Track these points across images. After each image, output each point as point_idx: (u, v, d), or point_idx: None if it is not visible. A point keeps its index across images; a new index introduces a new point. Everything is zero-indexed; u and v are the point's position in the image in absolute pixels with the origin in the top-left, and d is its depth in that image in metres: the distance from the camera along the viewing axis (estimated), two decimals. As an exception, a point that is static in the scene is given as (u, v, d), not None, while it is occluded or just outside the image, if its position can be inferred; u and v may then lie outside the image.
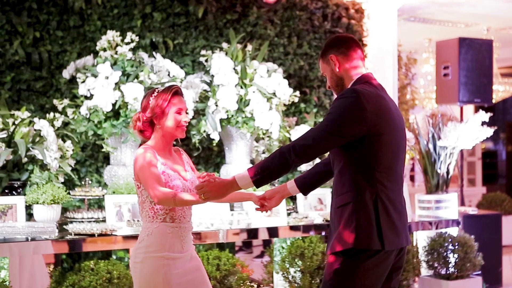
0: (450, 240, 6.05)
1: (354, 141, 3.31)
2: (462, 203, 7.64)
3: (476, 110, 9.95)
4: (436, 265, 6.08)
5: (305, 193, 3.82)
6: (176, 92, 3.60)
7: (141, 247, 3.53)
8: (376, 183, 3.32)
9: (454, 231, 6.27)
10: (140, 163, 3.50)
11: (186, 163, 3.74)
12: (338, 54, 3.49)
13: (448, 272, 6.06)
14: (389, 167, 3.37)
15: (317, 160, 4.86)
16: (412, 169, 12.86)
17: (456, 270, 6.05)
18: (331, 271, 3.35)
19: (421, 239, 6.29)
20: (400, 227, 3.38)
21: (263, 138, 6.20)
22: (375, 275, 3.33)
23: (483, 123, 6.33)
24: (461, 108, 7.85)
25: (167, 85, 5.64)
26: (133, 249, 3.61)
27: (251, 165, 5.40)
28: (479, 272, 6.30)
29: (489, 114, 6.29)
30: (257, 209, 3.76)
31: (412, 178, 13.12)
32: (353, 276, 3.30)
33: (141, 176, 3.49)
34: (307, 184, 3.78)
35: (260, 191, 4.03)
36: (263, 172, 3.31)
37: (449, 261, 6.03)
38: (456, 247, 6.03)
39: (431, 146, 6.45)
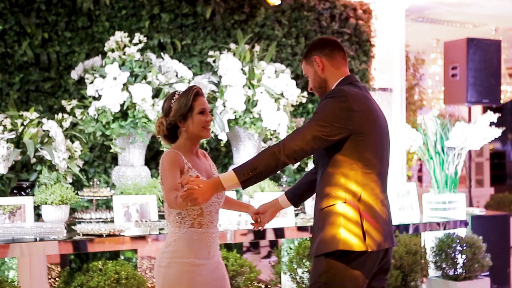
0: (458, 241, 6.04)
1: (339, 142, 3.30)
2: (470, 203, 7.63)
3: (484, 111, 9.91)
4: (444, 266, 6.07)
5: (296, 205, 3.80)
6: (197, 93, 3.53)
7: (167, 251, 3.47)
8: (360, 184, 3.31)
9: (462, 232, 6.25)
10: (163, 165, 3.42)
11: (212, 165, 3.69)
12: (322, 56, 3.49)
13: (456, 273, 6.05)
14: (374, 168, 3.36)
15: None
16: (420, 170, 12.85)
17: (464, 271, 6.04)
18: (317, 274, 3.34)
19: (429, 240, 6.28)
20: (385, 228, 3.37)
21: (270, 139, 6.20)
22: (361, 276, 3.32)
23: (491, 123, 6.32)
24: (469, 109, 7.83)
25: (174, 86, 5.65)
26: (159, 253, 3.54)
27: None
28: (487, 273, 6.28)
29: (497, 115, 6.28)
30: (252, 224, 3.74)
31: (420, 179, 13.10)
32: (339, 279, 3.28)
33: (162, 178, 3.42)
34: (298, 196, 3.76)
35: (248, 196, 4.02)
36: (251, 173, 3.22)
37: (457, 262, 6.01)
38: (464, 248, 6.01)
39: (439, 146, 6.44)
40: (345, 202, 3.29)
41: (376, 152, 3.37)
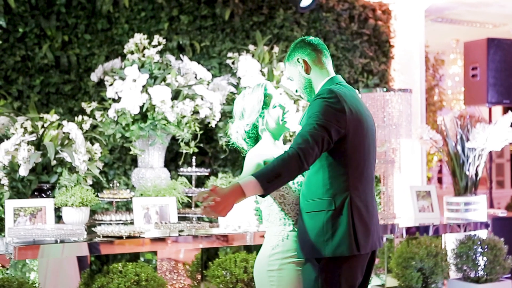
0: (479, 242, 6.00)
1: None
2: (491, 205, 7.58)
3: (505, 111, 9.85)
4: (465, 268, 6.03)
5: None
6: (266, 87, 3.48)
7: (276, 253, 3.36)
8: (349, 187, 3.29)
9: (483, 233, 6.21)
10: (246, 168, 3.34)
11: None
12: (305, 56, 3.47)
13: (477, 275, 6.01)
14: (361, 169, 3.34)
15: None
16: (440, 171, 12.78)
17: (485, 273, 5.99)
18: (310, 280, 3.31)
19: (449, 241, 6.24)
20: (373, 229, 3.36)
21: (289, 140, 6.19)
22: (353, 278, 3.32)
23: (512, 124, 6.28)
24: (490, 109, 7.79)
25: (193, 87, 5.66)
26: (264, 256, 3.39)
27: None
28: (509, 275, 6.24)
29: (518, 116, 6.24)
30: None
31: (440, 180, 13.03)
32: (333, 282, 3.27)
33: None
34: None
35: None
36: (274, 180, 3.07)
37: (478, 264, 5.97)
38: (486, 250, 5.97)
39: (459, 147, 6.40)
40: (335, 208, 3.26)
41: (363, 153, 3.35)
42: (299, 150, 3.11)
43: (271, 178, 3.06)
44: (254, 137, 3.52)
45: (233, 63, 6.19)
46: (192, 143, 5.73)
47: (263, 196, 3.12)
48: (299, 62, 3.47)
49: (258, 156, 3.38)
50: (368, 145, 3.39)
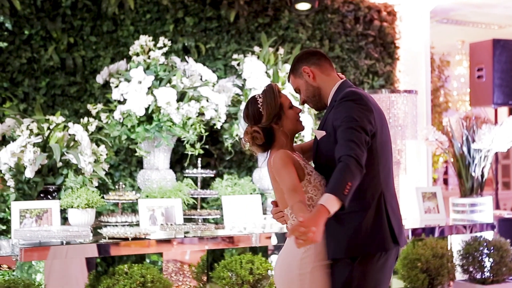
0: (485, 244, 5.98)
1: None
2: (497, 206, 7.56)
3: (511, 112, 9.83)
4: (471, 269, 6.02)
5: None
6: (279, 89, 3.47)
7: (308, 255, 3.34)
8: (381, 184, 3.34)
9: (489, 235, 6.19)
10: (276, 166, 3.31)
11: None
12: (311, 65, 3.50)
13: (483, 277, 5.99)
14: (388, 166, 3.42)
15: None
16: (446, 172, 12.75)
17: (491, 275, 5.98)
18: (342, 279, 3.32)
19: (455, 243, 6.23)
20: (402, 225, 3.45)
21: (295, 142, 6.18)
22: (388, 274, 3.37)
23: (518, 125, 6.26)
24: (496, 111, 7.77)
25: (198, 89, 5.66)
26: (295, 259, 3.35)
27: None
28: (515, 277, 6.22)
29: (524, 117, 6.22)
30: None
31: (445, 182, 13.00)
32: (370, 279, 3.29)
33: (278, 179, 3.32)
34: None
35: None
36: (348, 190, 3.07)
37: (485, 266, 5.96)
38: (492, 251, 5.96)
39: (465, 149, 6.39)
40: (370, 208, 3.30)
41: (389, 150, 3.44)
42: (355, 156, 3.14)
43: (346, 189, 3.07)
44: (271, 140, 3.48)
45: (238, 64, 6.19)
46: (198, 145, 5.74)
47: (342, 208, 3.09)
48: (305, 72, 3.50)
49: (288, 156, 3.35)
50: (390, 142, 3.48)
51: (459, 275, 6.18)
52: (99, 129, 5.77)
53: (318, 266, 3.35)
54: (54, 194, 5.20)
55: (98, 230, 4.86)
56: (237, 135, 5.98)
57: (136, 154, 5.71)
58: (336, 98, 3.40)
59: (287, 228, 3.47)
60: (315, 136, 3.52)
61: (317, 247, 3.35)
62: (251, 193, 5.77)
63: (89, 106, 5.81)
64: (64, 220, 5.24)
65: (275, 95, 3.42)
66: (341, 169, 3.11)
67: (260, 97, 3.44)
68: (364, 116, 3.26)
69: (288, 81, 3.66)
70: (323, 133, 3.39)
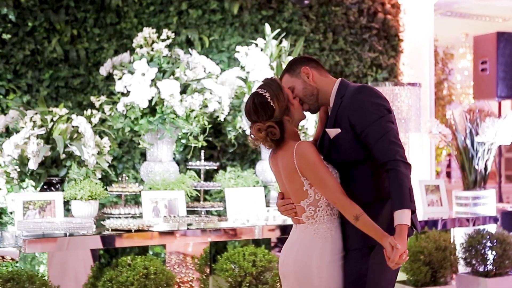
0: (488, 237, 5.98)
1: None
2: (500, 199, 7.56)
3: (515, 106, 9.81)
4: (474, 262, 6.02)
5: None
6: (281, 81, 3.48)
7: (326, 248, 3.37)
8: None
9: (492, 228, 6.19)
10: (311, 158, 3.30)
11: None
12: (310, 66, 3.54)
13: (486, 270, 5.99)
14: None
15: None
16: (449, 165, 12.76)
17: (494, 268, 5.98)
18: (358, 268, 3.37)
19: (458, 236, 6.23)
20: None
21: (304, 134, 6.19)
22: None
23: (522, 118, 6.26)
24: (499, 104, 7.76)
25: (202, 81, 5.66)
26: (313, 253, 3.37)
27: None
28: (518, 270, 6.22)
29: (528, 110, 6.21)
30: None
31: (448, 174, 13.00)
32: (386, 267, 3.28)
33: (313, 172, 3.31)
34: None
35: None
36: (411, 193, 3.24)
37: (487, 258, 5.96)
38: (495, 244, 5.95)
39: (468, 142, 6.38)
40: (387, 195, 3.32)
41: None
42: (400, 157, 3.27)
43: (409, 196, 3.24)
44: (281, 132, 3.43)
45: (241, 57, 6.19)
46: (201, 137, 5.74)
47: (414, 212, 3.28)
48: (304, 72, 3.53)
49: (311, 145, 3.37)
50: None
51: (462, 268, 6.18)
52: (103, 121, 5.78)
53: (336, 258, 3.38)
54: (57, 186, 5.21)
55: (101, 222, 4.87)
56: (240, 127, 5.98)
57: (139, 146, 5.71)
58: (341, 95, 3.44)
59: (293, 220, 3.49)
60: (324, 134, 3.52)
61: (334, 240, 3.39)
62: (254, 186, 5.78)
63: (92, 98, 5.81)
64: (68, 212, 5.25)
65: (281, 87, 3.42)
66: (396, 178, 3.25)
67: (265, 92, 3.37)
68: (387, 114, 3.35)
69: (280, 80, 3.63)
70: (338, 130, 3.41)
